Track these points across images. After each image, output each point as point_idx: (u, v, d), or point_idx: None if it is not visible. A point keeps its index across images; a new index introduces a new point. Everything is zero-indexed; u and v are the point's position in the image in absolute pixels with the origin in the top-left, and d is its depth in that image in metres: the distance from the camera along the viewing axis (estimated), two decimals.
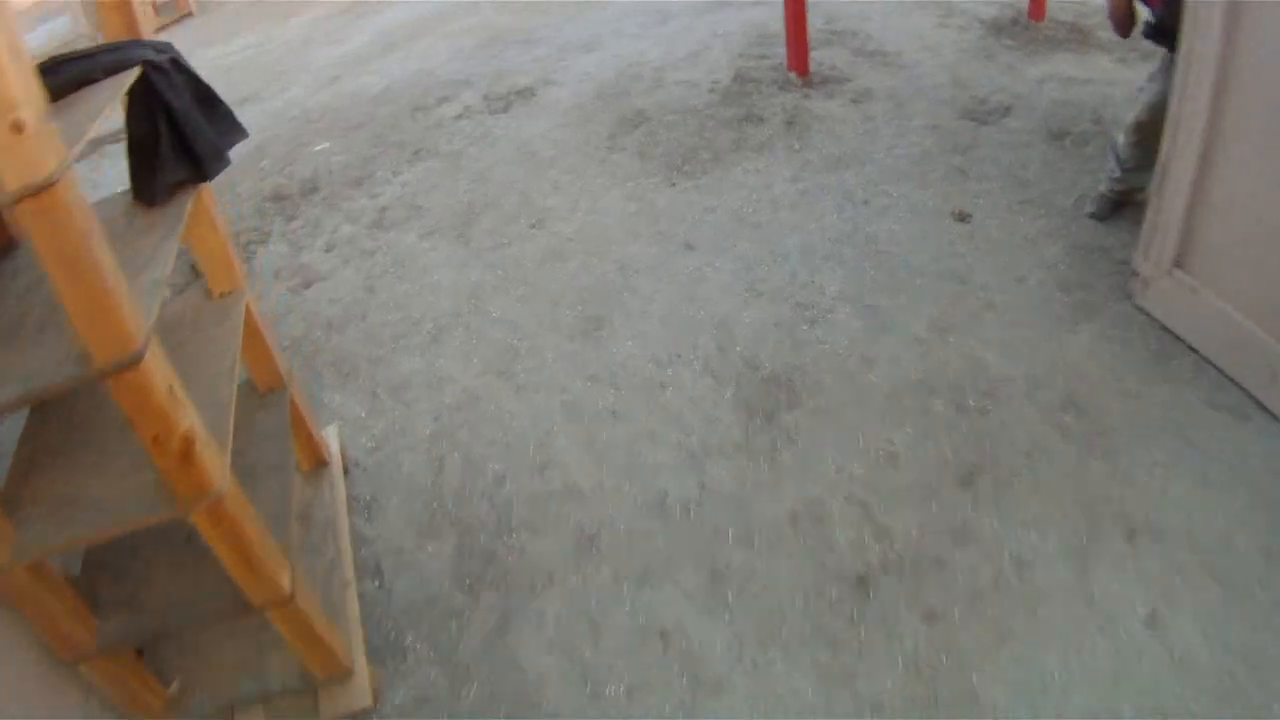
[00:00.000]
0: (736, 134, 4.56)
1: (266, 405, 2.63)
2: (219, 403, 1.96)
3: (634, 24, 6.40)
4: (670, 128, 4.70)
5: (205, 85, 2.07)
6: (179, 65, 2.01)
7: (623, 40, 6.07)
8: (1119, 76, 5.14)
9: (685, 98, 5.04)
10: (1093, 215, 3.74)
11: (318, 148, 5.41)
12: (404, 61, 6.52)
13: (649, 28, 6.25)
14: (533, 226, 4.05)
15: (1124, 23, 3.30)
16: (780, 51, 5.49)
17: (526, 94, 5.44)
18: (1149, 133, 3.46)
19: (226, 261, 2.38)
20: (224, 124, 2.14)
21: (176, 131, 1.98)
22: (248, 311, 2.43)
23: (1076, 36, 5.79)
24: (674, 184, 4.18)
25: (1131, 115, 3.53)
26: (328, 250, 4.30)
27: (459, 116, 5.32)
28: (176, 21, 9.75)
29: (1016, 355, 3.07)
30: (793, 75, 5.03)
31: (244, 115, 5.92)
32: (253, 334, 2.49)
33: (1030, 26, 5.92)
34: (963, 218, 3.82)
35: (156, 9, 9.43)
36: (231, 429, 1.88)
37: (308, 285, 4.06)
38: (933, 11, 6.19)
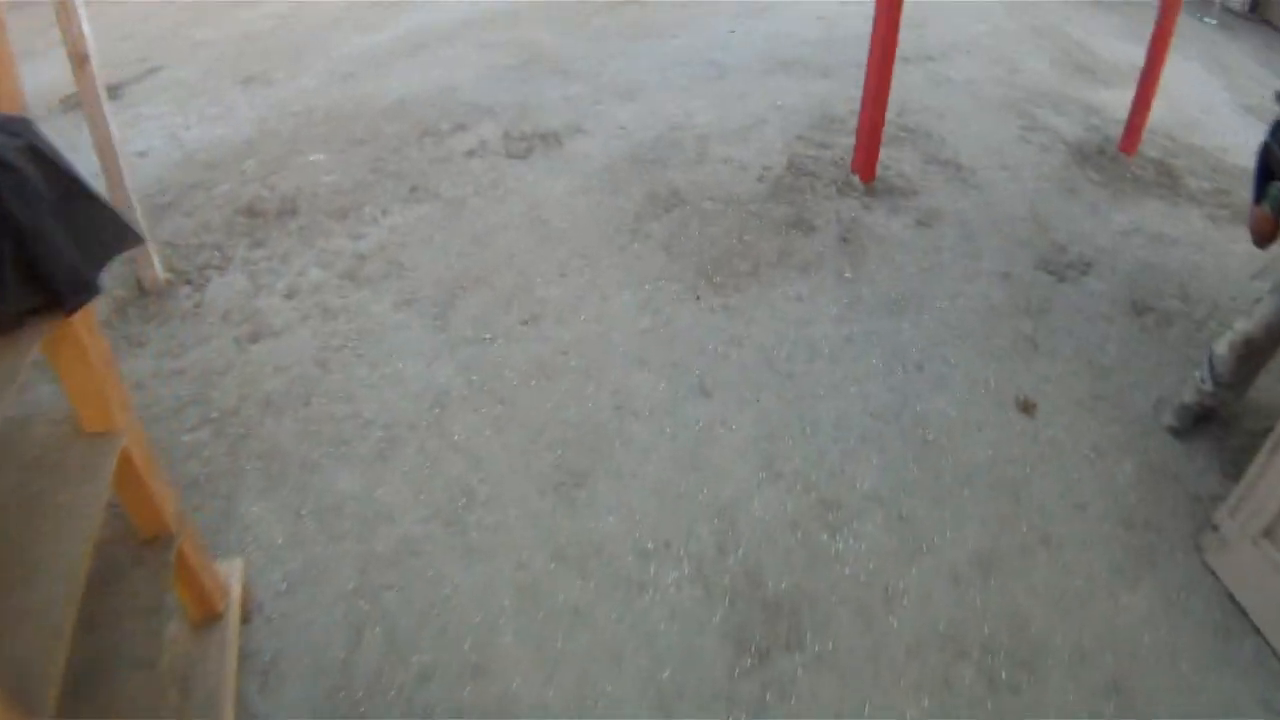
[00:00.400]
0: (782, 242, 4.02)
1: (144, 560, 2.10)
2: (53, 598, 1.46)
3: (685, 74, 5.86)
4: (707, 219, 4.16)
5: (76, 180, 1.53)
6: (38, 154, 1.47)
7: (670, 92, 5.54)
8: (1209, 239, 4.67)
9: (730, 182, 4.50)
10: (1172, 429, 3.26)
11: (311, 157, 4.86)
12: (428, 69, 5.97)
13: (701, 83, 5.71)
14: (525, 323, 3.51)
15: (1265, 239, 2.81)
16: (844, 142, 4.96)
17: (552, 140, 4.89)
18: (1259, 350, 2.99)
19: (102, 400, 1.84)
20: (100, 234, 1.61)
21: (25, 251, 1.44)
22: (126, 458, 1.90)
23: (1165, 180, 5.31)
24: (699, 297, 3.64)
25: (1241, 326, 3.05)
26: (289, 296, 3.75)
27: (471, 153, 4.78)
28: None
29: (1065, 613, 2.58)
30: (855, 178, 4.50)
31: (248, 98, 5.31)
32: (134, 479, 1.96)
33: (1118, 159, 5.43)
34: (1027, 408, 3.31)
35: None
36: (69, 627, 1.38)
37: (255, 339, 3.52)
38: (1014, 121, 5.68)
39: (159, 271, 3.80)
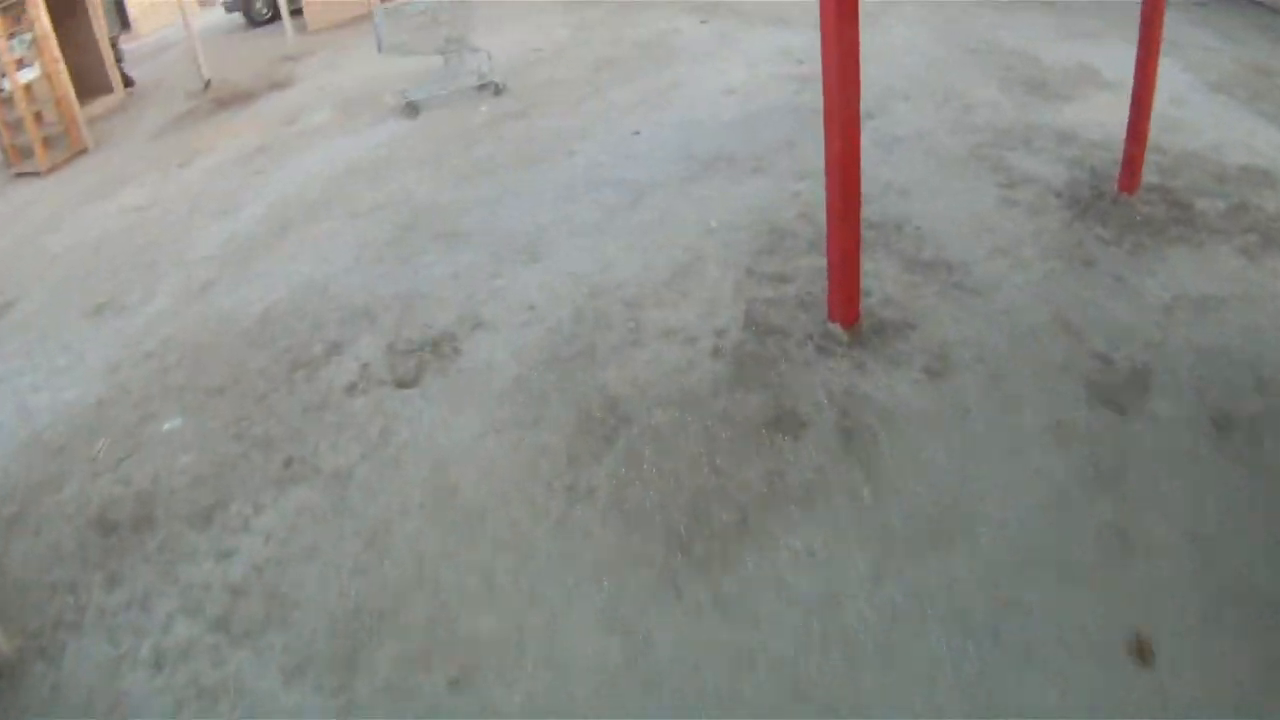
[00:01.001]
0: (768, 459, 3.12)
1: None
2: None
3: (593, 205, 5.00)
4: (663, 444, 3.25)
5: None
6: None
7: (580, 238, 4.67)
8: (1256, 287, 4.00)
9: (680, 369, 3.61)
10: None
11: (166, 426, 3.91)
12: (294, 260, 5.07)
13: (615, 214, 4.85)
14: (454, 686, 2.55)
15: None
16: (805, 265, 4.12)
17: (446, 348, 3.98)
18: None
19: None
20: None
21: None
22: None
23: (1178, 214, 4.57)
24: (679, 590, 2.71)
25: None
26: (157, 667, 2.80)
27: (352, 388, 3.84)
28: (68, 161, 8.50)
29: None
30: (834, 327, 3.62)
31: (98, 336, 4.61)
32: None
33: (1120, 202, 4.66)
34: (1142, 653, 2.42)
35: (46, 145, 8.19)
36: None
37: None
38: (989, 179, 4.88)
39: (3, 646, 2.89)
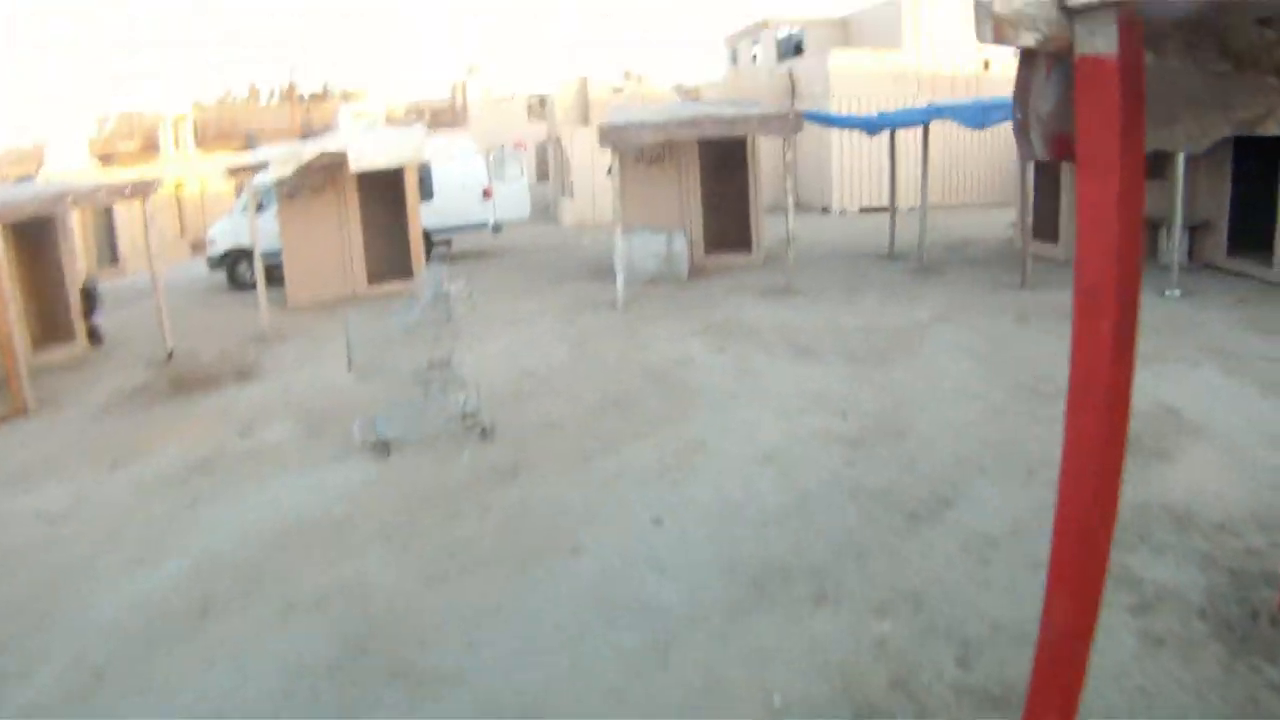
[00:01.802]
0: None
1: None
2: None
3: (609, 651, 3.86)
4: None
5: None
6: None
7: (594, 716, 3.42)
8: None
9: None
10: None
11: None
12: (204, 677, 3.86)
13: (638, 672, 3.68)
14: None
15: None
16: None
17: None
18: None
19: None
20: None
21: None
22: None
23: None
24: None
25: None
26: None
27: None
28: (4, 420, 7.91)
29: None
30: None
31: None
32: None
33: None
34: None
35: None
36: None
37: None
38: (1115, 599, 3.77)
39: None
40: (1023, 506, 4.81)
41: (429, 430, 6.41)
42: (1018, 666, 3.46)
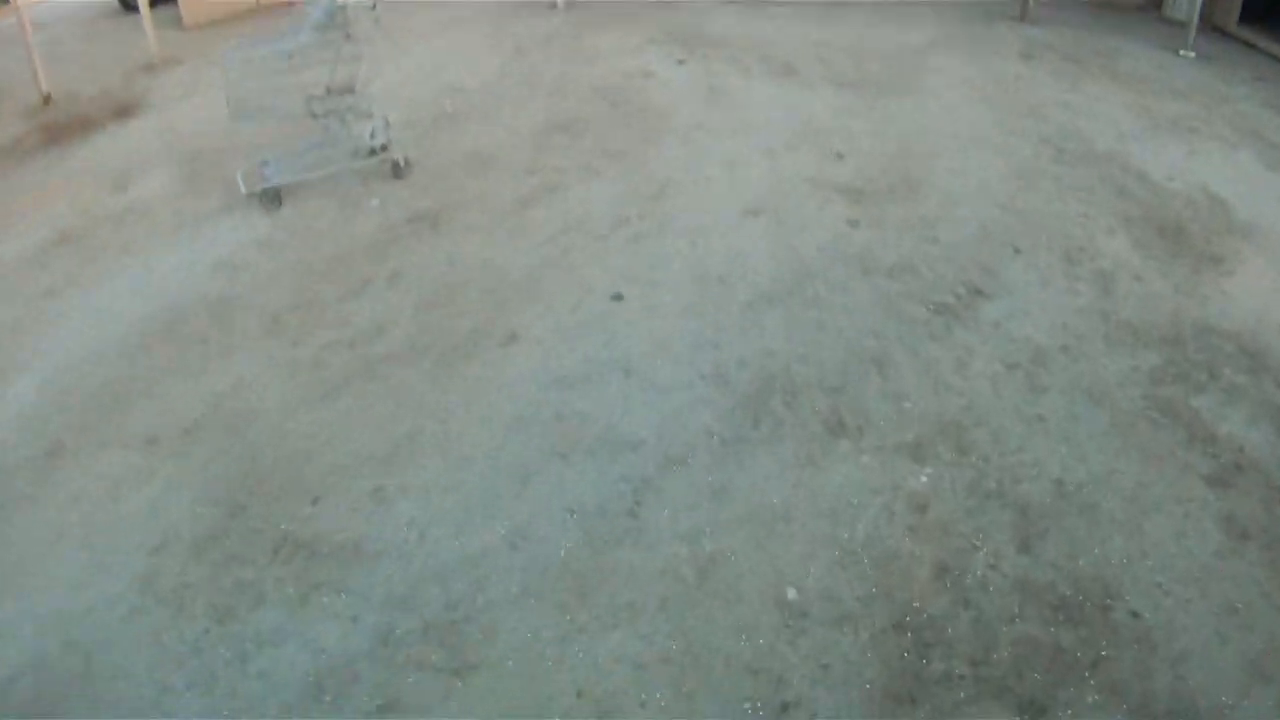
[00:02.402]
0: None
1: None
2: None
3: (561, 506, 2.95)
4: None
5: None
6: None
7: (544, 609, 2.60)
8: None
9: None
10: None
11: None
12: (52, 549, 2.90)
13: (603, 543, 2.80)
14: None
15: None
16: None
17: None
18: None
19: None
20: None
21: None
22: None
23: None
24: None
25: None
26: None
27: None
28: None
29: None
30: None
31: None
32: None
33: None
34: None
35: None
36: None
37: None
38: (1187, 462, 3.07)
39: None
40: (1069, 308, 3.93)
41: (330, 171, 4.96)
42: (1089, 552, 2.72)
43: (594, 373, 3.41)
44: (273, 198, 4.81)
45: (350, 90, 4.96)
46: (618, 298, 3.87)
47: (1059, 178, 5.11)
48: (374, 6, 4.74)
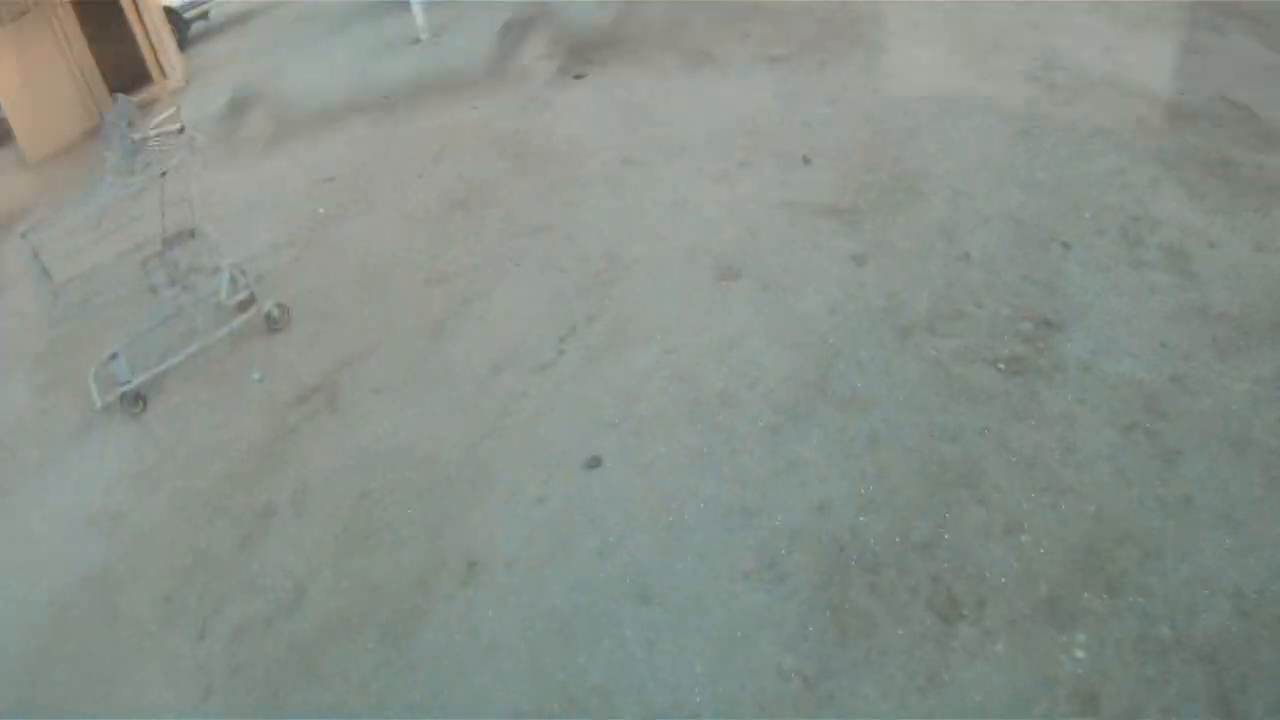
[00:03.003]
0: None
1: None
2: None
3: None
4: None
5: None
6: None
7: None
8: None
9: None
10: None
11: None
12: None
13: None
14: None
15: None
16: None
17: None
18: None
19: None
20: None
21: None
22: None
23: None
24: None
25: None
26: None
27: None
28: None
29: None
30: None
31: None
32: None
33: None
34: None
35: None
36: None
37: None
38: None
39: None
40: (1157, 313, 3.09)
41: (191, 350, 3.93)
42: None
43: (596, 607, 2.48)
44: (133, 401, 3.78)
45: (190, 235, 3.94)
46: (594, 463, 2.92)
47: (1069, 126, 4.25)
48: (181, 129, 3.71)
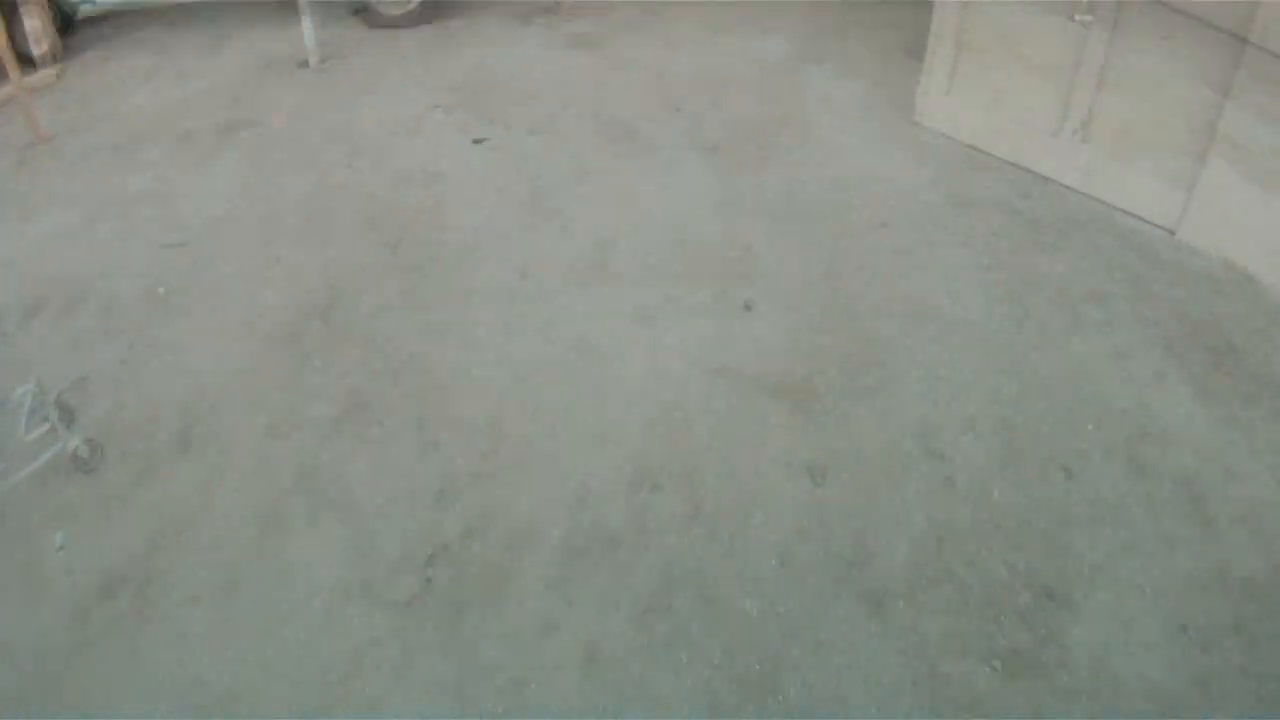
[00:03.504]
0: None
1: None
2: None
3: None
4: None
5: None
6: None
7: None
8: None
9: None
10: None
11: None
12: None
13: None
14: None
15: None
16: None
17: None
18: None
19: None
20: None
21: None
22: None
23: None
24: None
25: None
26: None
27: None
28: None
29: None
30: None
31: None
32: None
33: None
34: None
35: None
36: None
37: None
38: None
39: None
40: (1176, 580, 2.52)
41: None
42: None
43: None
44: None
45: None
46: None
47: (1062, 287, 3.65)
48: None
